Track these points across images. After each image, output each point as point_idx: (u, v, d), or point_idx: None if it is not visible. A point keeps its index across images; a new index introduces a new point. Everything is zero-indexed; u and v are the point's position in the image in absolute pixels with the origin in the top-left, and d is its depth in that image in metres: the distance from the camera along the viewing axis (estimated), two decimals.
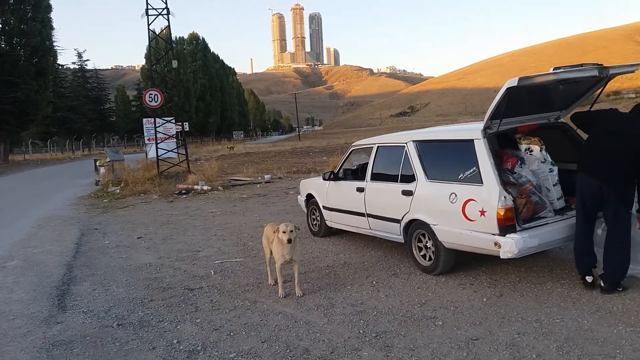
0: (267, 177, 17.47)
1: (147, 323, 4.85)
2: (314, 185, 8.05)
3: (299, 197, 8.80)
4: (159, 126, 20.12)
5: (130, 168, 19.76)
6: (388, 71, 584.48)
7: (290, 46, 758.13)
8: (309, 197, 8.14)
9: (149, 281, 6.24)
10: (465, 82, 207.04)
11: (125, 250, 8.05)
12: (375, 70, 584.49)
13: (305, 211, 8.41)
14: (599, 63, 5.01)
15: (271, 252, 5.57)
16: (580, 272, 4.92)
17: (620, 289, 4.66)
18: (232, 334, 4.49)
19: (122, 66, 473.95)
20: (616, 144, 4.64)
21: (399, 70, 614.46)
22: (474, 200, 5.01)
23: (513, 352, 3.75)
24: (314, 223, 8.14)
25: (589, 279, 4.81)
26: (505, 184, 4.93)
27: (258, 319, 4.78)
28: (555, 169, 5.50)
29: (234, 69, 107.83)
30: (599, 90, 5.64)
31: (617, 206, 4.61)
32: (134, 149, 61.74)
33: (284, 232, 5.14)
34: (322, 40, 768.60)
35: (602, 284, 4.71)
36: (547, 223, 5.06)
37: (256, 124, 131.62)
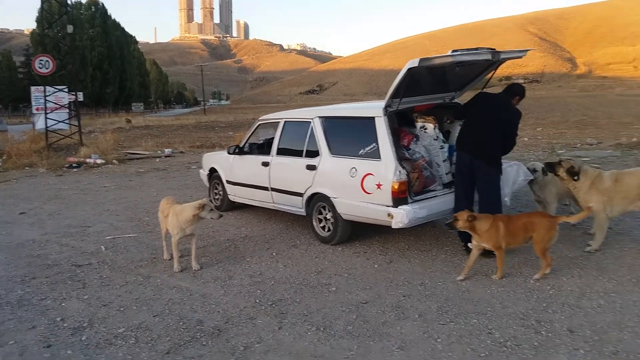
0: (167, 151, 16.87)
1: (27, 302, 4.57)
2: (218, 159, 7.93)
3: (201, 171, 8.63)
4: (50, 95, 18.60)
5: (15, 139, 18.13)
6: (299, 48, 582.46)
7: (198, 16, 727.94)
8: (212, 171, 8.01)
9: (32, 258, 5.86)
10: (373, 63, 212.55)
11: (5, 227, 7.45)
12: (285, 47, 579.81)
13: (208, 185, 8.28)
14: (493, 47, 5.38)
15: (167, 227, 5.45)
16: (462, 240, 5.35)
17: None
18: (122, 309, 4.36)
19: (8, 29, 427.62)
20: (484, 122, 5.20)
21: (310, 48, 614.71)
22: (372, 174, 5.25)
23: (398, 313, 4.03)
24: (217, 197, 8.04)
25: (470, 245, 5.23)
26: (400, 159, 5.21)
27: (151, 294, 4.68)
28: (446, 146, 5.89)
29: (135, 37, 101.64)
30: (491, 74, 6.05)
31: (488, 169, 5.18)
32: (20, 119, 56.44)
33: (211, 209, 5.13)
34: (231, 12, 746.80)
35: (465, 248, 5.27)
36: (436, 196, 5.44)
37: (158, 96, 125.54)
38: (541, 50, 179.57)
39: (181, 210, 5.17)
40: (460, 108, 5.84)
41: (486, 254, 4.83)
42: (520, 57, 5.57)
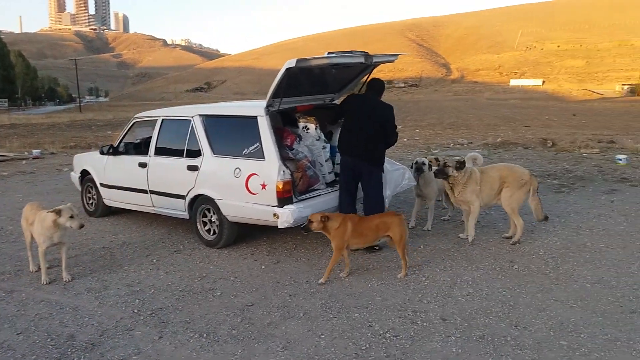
0: (35, 152, 15.35)
1: None
2: (91, 161, 7.37)
3: (72, 173, 7.98)
4: None
5: None
6: (183, 44, 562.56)
7: (71, 6, 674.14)
8: (84, 173, 7.43)
9: None
10: (261, 63, 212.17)
11: None
12: (169, 42, 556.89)
13: (80, 189, 7.67)
14: (366, 51, 5.60)
15: (32, 236, 4.97)
16: None
17: (377, 248, 5.36)
18: None
19: None
20: (360, 124, 5.42)
21: (195, 44, 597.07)
22: (256, 174, 5.20)
23: (284, 313, 4.04)
24: (90, 202, 7.47)
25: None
26: (284, 159, 5.23)
27: (14, 310, 4.24)
28: (328, 146, 6.03)
29: None
30: (366, 76, 6.30)
31: (371, 169, 5.42)
32: None
33: (70, 216, 4.66)
34: (108, 3, 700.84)
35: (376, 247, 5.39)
36: (320, 194, 5.54)
37: (26, 91, 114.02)
38: (419, 55, 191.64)
39: (45, 217, 4.72)
40: (334, 113, 6.07)
41: (369, 249, 5.02)
42: (392, 61, 5.87)
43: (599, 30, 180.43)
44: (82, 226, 4.75)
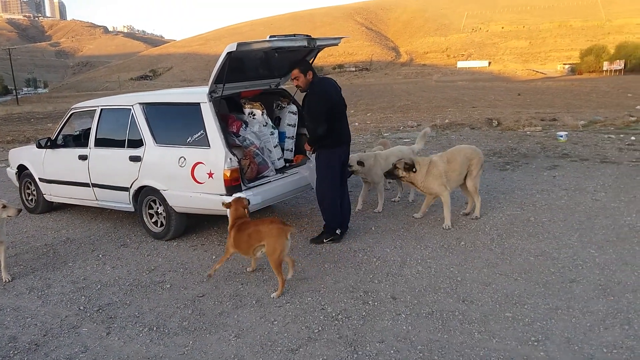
0: None
1: None
2: (27, 155, 7.02)
3: (8, 169, 7.58)
4: None
5: None
6: (125, 30, 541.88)
7: None
8: (22, 168, 7.07)
9: None
10: (208, 48, 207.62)
11: None
12: (110, 29, 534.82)
13: (18, 185, 7.29)
14: (309, 34, 5.54)
15: None
16: (335, 225, 5.27)
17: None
18: None
19: None
20: (343, 109, 5.27)
21: (138, 31, 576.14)
22: (202, 163, 5.08)
23: (236, 302, 4.01)
24: (30, 198, 7.13)
25: (338, 231, 5.30)
26: (231, 146, 5.12)
27: None
28: (276, 132, 5.96)
29: None
30: (311, 60, 6.25)
31: (346, 161, 5.42)
32: None
33: (3, 206, 4.48)
34: None
35: (340, 232, 5.29)
36: (270, 181, 5.47)
37: None
38: (368, 39, 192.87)
39: None
40: (329, 107, 5.27)
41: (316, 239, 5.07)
42: (336, 44, 5.84)
43: (539, 11, 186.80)
44: (19, 211, 4.59)
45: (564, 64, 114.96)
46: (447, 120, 16.31)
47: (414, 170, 5.46)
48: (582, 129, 12.59)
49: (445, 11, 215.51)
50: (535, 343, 3.23)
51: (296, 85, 5.12)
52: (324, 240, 5.22)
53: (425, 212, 5.89)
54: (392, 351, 3.21)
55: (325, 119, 4.95)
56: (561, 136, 10.91)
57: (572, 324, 3.43)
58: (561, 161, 8.67)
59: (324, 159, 5.12)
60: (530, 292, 3.91)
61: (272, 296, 4.05)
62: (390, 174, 5.65)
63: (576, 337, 3.27)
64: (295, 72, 5.01)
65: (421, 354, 3.17)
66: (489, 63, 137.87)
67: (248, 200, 4.57)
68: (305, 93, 5.12)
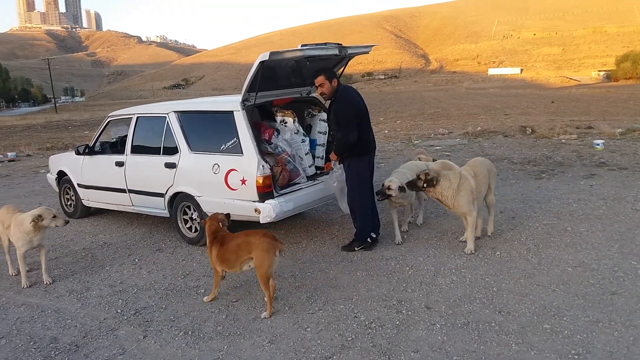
0: (10, 154, 15.09)
1: None
2: (67, 161, 7.24)
3: (48, 175, 7.83)
4: None
5: None
6: (159, 40, 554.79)
7: (40, 5, 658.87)
8: (61, 174, 7.29)
9: None
10: (239, 57, 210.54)
11: None
12: (144, 39, 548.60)
13: (58, 190, 7.52)
14: (340, 43, 5.57)
15: (10, 239, 4.86)
16: (366, 234, 5.23)
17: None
18: None
19: None
20: (368, 117, 5.25)
21: (171, 40, 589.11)
22: (235, 170, 5.15)
23: None
24: (69, 203, 7.34)
25: (373, 234, 5.32)
26: (263, 153, 5.18)
27: None
28: (307, 139, 5.99)
29: None
30: (342, 69, 6.27)
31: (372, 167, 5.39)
32: None
33: (53, 216, 4.60)
34: (79, 1, 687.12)
35: (371, 240, 5.26)
36: (301, 188, 5.50)
37: None
38: (397, 47, 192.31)
39: (22, 220, 4.62)
40: (356, 114, 5.22)
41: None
42: (367, 52, 5.85)
43: (572, 17, 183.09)
44: (67, 222, 4.76)
45: (599, 71, 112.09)
46: (479, 128, 16.07)
47: (434, 183, 4.88)
48: (619, 137, 12.23)
49: (475, 18, 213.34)
50: (576, 356, 3.14)
51: (320, 93, 5.11)
52: (356, 249, 5.20)
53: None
54: None
55: (356, 126, 4.95)
56: (598, 144, 10.63)
57: (615, 337, 3.32)
58: (598, 170, 8.45)
59: (354, 168, 5.11)
60: (569, 304, 3.80)
61: (262, 316, 3.86)
62: (413, 185, 5.04)
63: (619, 351, 3.16)
64: (321, 78, 4.99)
65: None
66: (521, 70, 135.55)
67: (227, 215, 4.36)
68: (330, 101, 5.12)
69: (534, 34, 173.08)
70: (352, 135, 4.93)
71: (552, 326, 3.50)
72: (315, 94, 6.54)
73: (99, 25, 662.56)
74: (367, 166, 5.21)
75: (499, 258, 4.80)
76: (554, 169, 8.75)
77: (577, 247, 4.97)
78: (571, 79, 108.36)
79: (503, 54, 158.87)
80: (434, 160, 6.23)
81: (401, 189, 5.17)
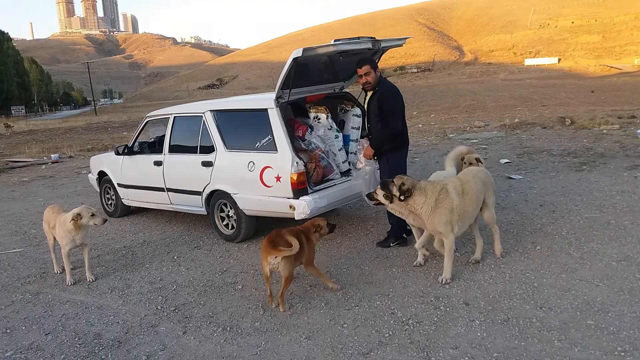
0: (54, 156, 15.63)
1: None
2: (107, 162, 7.45)
3: (89, 175, 8.08)
4: None
5: None
6: (193, 41, 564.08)
7: (79, 10, 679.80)
8: (102, 174, 7.52)
9: None
10: (272, 56, 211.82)
11: None
12: (179, 40, 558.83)
13: (99, 190, 7.76)
14: (373, 36, 5.52)
15: (55, 238, 5.05)
16: (402, 230, 5.21)
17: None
18: (8, 331, 4.00)
19: None
20: (403, 111, 5.18)
21: (205, 41, 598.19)
22: (270, 167, 5.19)
23: (305, 304, 4.05)
24: (109, 203, 7.56)
25: (405, 235, 5.28)
26: (297, 150, 5.20)
27: (41, 311, 4.33)
28: (341, 135, 5.98)
29: (8, 34, 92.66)
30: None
31: None
32: None
33: (92, 215, 4.73)
34: (116, 5, 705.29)
35: (407, 236, 5.24)
36: (335, 184, 5.50)
37: (41, 97, 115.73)
38: (430, 39, 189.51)
39: (65, 219, 4.78)
40: (402, 107, 5.24)
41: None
42: (400, 45, 5.78)
43: (613, 3, 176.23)
44: (105, 221, 4.85)
45: None
46: (516, 120, 15.69)
47: (407, 194, 4.15)
48: None
49: (510, 7, 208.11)
50: (622, 353, 3.03)
51: (364, 82, 5.00)
52: (391, 244, 5.17)
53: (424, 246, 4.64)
54: (466, 358, 3.12)
55: (402, 115, 4.99)
56: None
57: None
58: None
59: (394, 161, 5.06)
60: (614, 300, 3.67)
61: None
62: (385, 185, 4.25)
63: None
64: (366, 67, 4.94)
65: None
66: (559, 60, 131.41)
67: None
68: (372, 92, 5.03)
69: (572, 22, 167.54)
70: (399, 124, 4.95)
71: (596, 322, 3.39)
72: (348, 90, 6.52)
73: (135, 28, 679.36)
74: (405, 160, 5.21)
75: (540, 252, 4.69)
76: (595, 160, 8.47)
77: (622, 240, 4.80)
78: (612, 67, 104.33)
79: (540, 44, 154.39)
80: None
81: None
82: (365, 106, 5.22)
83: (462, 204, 4.22)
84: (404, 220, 5.10)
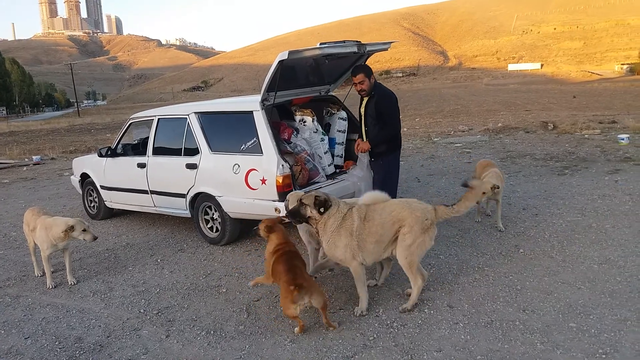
0: (35, 158, 15.38)
1: None
2: (90, 164, 7.35)
3: (72, 177, 7.97)
4: None
5: None
6: (178, 43, 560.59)
7: (62, 11, 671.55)
8: (84, 176, 7.41)
9: None
10: (257, 59, 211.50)
11: None
12: (164, 42, 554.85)
13: (81, 192, 7.65)
14: (358, 40, 5.54)
15: (35, 241, 4.96)
16: None
17: None
18: None
19: None
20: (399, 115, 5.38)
21: (190, 43, 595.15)
22: (255, 169, 5.17)
23: None
24: (92, 205, 7.46)
25: None
26: (282, 153, 5.19)
27: (21, 315, 4.25)
28: (326, 138, 5.99)
29: None
30: None
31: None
32: None
33: (84, 230, 4.64)
34: (100, 6, 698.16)
35: None
36: (321, 187, 5.49)
37: (23, 98, 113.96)
38: (415, 44, 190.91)
39: (51, 225, 4.69)
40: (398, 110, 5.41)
41: None
42: (385, 49, 5.81)
43: (594, 10, 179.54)
44: (95, 239, 4.74)
45: (622, 64, 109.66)
46: (500, 124, 15.86)
47: (321, 210, 3.79)
48: None
49: (494, 13, 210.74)
50: (604, 356, 3.07)
51: (359, 90, 5.18)
52: None
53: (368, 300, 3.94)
54: None
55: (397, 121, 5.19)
56: (622, 139, 10.41)
57: None
58: (623, 165, 8.27)
59: (387, 164, 5.24)
60: (596, 302, 3.72)
61: None
62: (295, 213, 3.89)
63: None
64: (360, 76, 5.11)
65: None
66: (541, 65, 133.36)
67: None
68: (369, 97, 5.21)
69: (555, 28, 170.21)
70: (399, 125, 5.25)
71: (578, 325, 3.43)
72: (333, 93, 6.53)
73: (119, 30, 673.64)
74: (398, 162, 5.40)
75: (522, 255, 4.73)
76: (577, 164, 8.59)
77: (603, 243, 4.87)
78: (593, 73, 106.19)
79: (523, 49, 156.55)
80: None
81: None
82: (362, 110, 5.31)
83: (361, 232, 3.75)
84: None
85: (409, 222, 3.71)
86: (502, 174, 5.71)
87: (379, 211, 3.81)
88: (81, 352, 3.59)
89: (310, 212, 3.82)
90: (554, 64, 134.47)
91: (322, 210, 3.79)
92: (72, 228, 4.62)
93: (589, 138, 11.68)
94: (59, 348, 3.66)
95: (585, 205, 6.17)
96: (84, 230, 4.67)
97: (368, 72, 5.15)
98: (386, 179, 5.20)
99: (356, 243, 3.76)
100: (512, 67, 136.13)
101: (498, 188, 5.30)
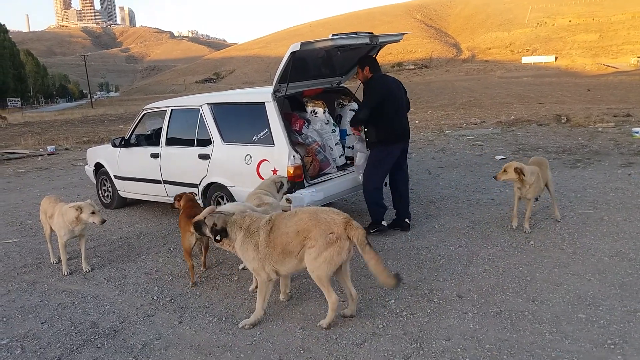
0: (50, 148, 15.59)
1: None
2: (103, 154, 7.45)
3: (86, 167, 8.08)
4: None
5: None
6: (190, 35, 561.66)
7: (76, 2, 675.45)
8: (98, 166, 7.52)
9: None
10: (269, 51, 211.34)
11: None
12: (176, 34, 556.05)
13: (95, 182, 7.76)
14: (371, 32, 5.55)
15: (52, 228, 5.06)
16: (379, 219, 5.43)
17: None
18: (4, 319, 4.02)
19: None
20: (402, 104, 5.46)
21: (202, 35, 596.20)
22: (266, 160, 5.22)
23: (301, 295, 4.10)
24: (106, 194, 7.57)
25: (384, 223, 5.44)
26: (294, 144, 5.23)
27: (38, 300, 4.35)
28: (337, 129, 6.01)
29: (5, 26, 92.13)
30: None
31: (404, 153, 5.52)
32: None
33: (92, 212, 4.71)
34: None
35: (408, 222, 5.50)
36: (331, 178, 5.54)
37: (37, 89, 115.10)
38: (428, 36, 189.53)
39: (66, 210, 4.79)
40: (379, 100, 5.24)
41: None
42: (397, 41, 5.81)
43: (610, 2, 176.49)
44: (103, 221, 4.80)
45: (639, 57, 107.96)
46: (512, 117, 15.76)
47: (223, 234, 3.57)
48: None
49: (508, 5, 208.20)
50: (612, 346, 3.08)
51: (360, 80, 5.43)
52: (371, 231, 5.29)
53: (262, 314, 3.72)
54: (459, 349, 3.16)
55: (374, 108, 5.14)
56: (637, 132, 10.31)
57: None
58: (637, 158, 8.20)
59: (374, 155, 5.27)
60: (606, 294, 3.73)
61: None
62: (197, 227, 3.64)
63: None
64: (357, 68, 5.44)
65: (489, 353, 3.10)
66: (556, 58, 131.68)
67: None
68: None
69: (570, 21, 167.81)
70: (363, 114, 5.22)
71: (587, 316, 3.44)
72: (345, 85, 6.55)
73: (132, 22, 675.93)
74: (390, 156, 5.31)
75: (533, 247, 4.74)
76: (590, 157, 8.53)
77: (614, 236, 4.86)
78: (608, 66, 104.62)
79: (537, 42, 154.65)
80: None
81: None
82: None
83: (267, 245, 3.52)
84: (381, 210, 5.40)
85: (313, 235, 3.43)
86: (545, 172, 5.41)
87: (285, 220, 3.57)
88: (96, 337, 3.66)
89: (207, 232, 3.62)
90: (568, 56, 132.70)
91: (218, 238, 3.58)
92: (80, 209, 4.71)
93: (602, 131, 11.57)
94: (75, 332, 3.74)
95: (597, 198, 6.14)
96: (92, 212, 4.74)
97: (362, 64, 5.36)
98: (370, 171, 5.32)
99: (262, 256, 3.54)
100: (525, 59, 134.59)
101: None
